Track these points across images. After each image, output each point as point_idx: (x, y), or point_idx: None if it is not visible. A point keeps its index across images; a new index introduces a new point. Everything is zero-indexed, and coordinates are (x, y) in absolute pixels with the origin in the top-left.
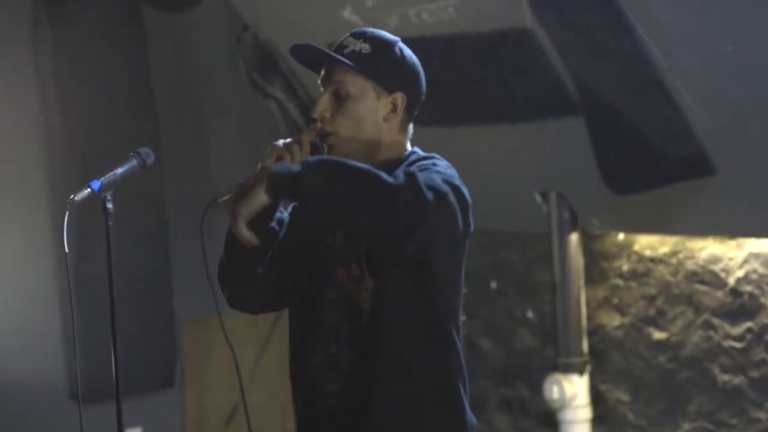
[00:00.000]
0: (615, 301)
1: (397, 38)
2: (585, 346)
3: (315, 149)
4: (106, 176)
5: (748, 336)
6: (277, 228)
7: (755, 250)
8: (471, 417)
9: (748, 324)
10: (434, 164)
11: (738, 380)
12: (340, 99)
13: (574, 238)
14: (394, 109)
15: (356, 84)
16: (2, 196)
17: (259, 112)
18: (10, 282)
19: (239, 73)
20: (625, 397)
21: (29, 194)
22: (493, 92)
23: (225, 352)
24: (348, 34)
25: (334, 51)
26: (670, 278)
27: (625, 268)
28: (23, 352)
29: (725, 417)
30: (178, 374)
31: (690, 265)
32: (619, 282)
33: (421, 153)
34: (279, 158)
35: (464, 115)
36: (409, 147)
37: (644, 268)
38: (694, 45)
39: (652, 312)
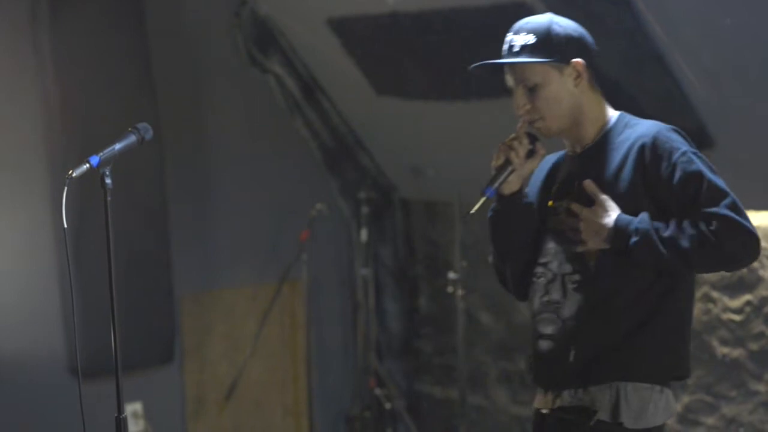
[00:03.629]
0: None
1: (549, 16)
2: None
3: (532, 139)
4: (105, 151)
5: (747, 309)
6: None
7: (754, 223)
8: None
9: (747, 297)
10: (693, 158)
11: (737, 353)
12: (532, 90)
13: None
14: (579, 75)
15: (538, 72)
16: (1, 173)
17: (258, 86)
18: (9, 258)
19: (237, 48)
20: None
21: (28, 170)
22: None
23: (224, 327)
24: (509, 32)
25: (505, 54)
26: None
27: None
28: (23, 328)
29: (724, 389)
30: (177, 349)
31: None
32: None
33: (626, 115)
34: (506, 159)
35: (464, 89)
36: (611, 111)
37: None
38: (693, 18)
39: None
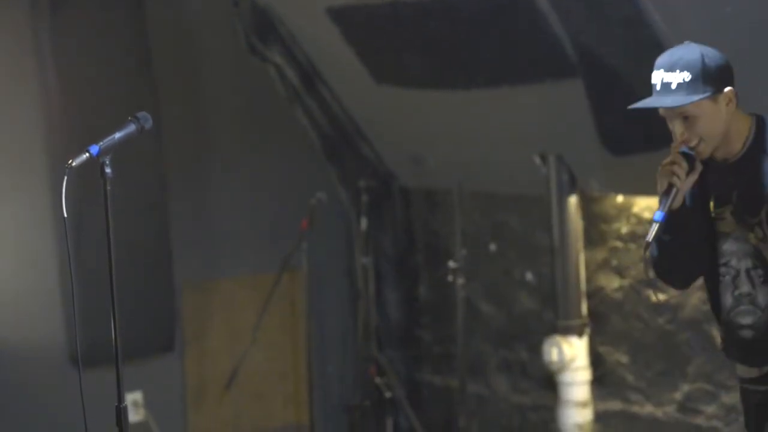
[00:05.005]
0: (614, 263)
1: (696, 47)
2: (584, 308)
3: (690, 159)
4: (105, 141)
5: None
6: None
7: None
8: None
9: None
10: None
11: None
12: (687, 121)
13: (573, 200)
14: (730, 101)
15: (695, 106)
16: (1, 162)
17: (258, 76)
18: (9, 247)
19: (237, 38)
20: (624, 359)
21: (28, 159)
22: (493, 55)
23: (224, 316)
24: (661, 69)
25: (662, 90)
26: None
27: (624, 230)
28: (23, 317)
29: (724, 378)
30: (178, 338)
31: None
32: (618, 244)
33: (760, 118)
34: (670, 183)
35: (464, 78)
36: (747, 115)
37: (643, 230)
38: (692, 6)
39: (651, 274)
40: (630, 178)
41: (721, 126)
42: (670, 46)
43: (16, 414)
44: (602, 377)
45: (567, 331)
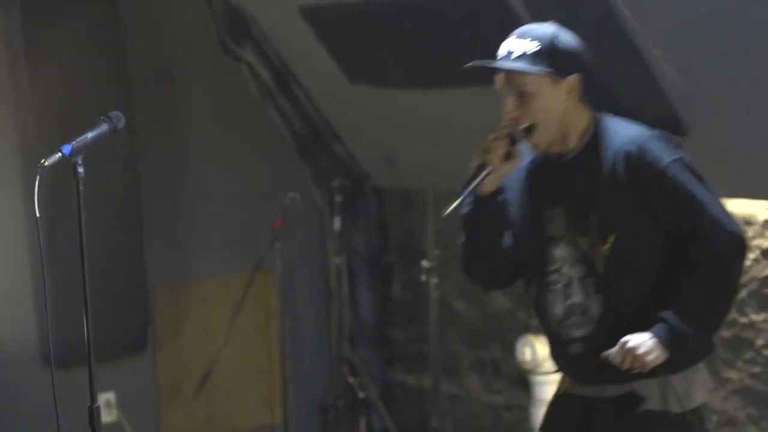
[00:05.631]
0: None
1: (554, 26)
2: None
3: (513, 140)
4: (77, 140)
5: None
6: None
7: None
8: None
9: None
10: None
11: None
12: (523, 98)
13: None
14: (571, 90)
15: (534, 82)
16: None
17: (231, 75)
18: None
19: (210, 37)
20: None
21: (0, 159)
22: (466, 54)
23: (198, 316)
24: (512, 36)
25: (502, 57)
26: None
27: None
28: None
29: None
30: (151, 338)
31: None
32: None
33: (604, 118)
34: (482, 162)
35: (437, 78)
36: (589, 113)
37: None
38: (665, 4)
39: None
40: None
41: (557, 114)
42: (644, 46)
43: None
44: None
45: (540, 331)
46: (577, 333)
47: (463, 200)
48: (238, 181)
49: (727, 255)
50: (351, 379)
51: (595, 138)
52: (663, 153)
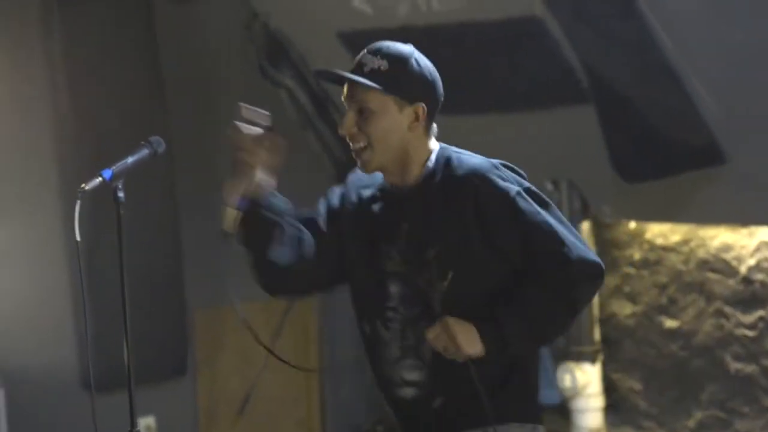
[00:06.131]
0: (627, 289)
1: (411, 49)
2: (597, 334)
3: (268, 129)
4: (117, 165)
5: (760, 324)
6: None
7: (767, 239)
8: (549, 396)
9: (760, 312)
10: (527, 197)
11: (750, 368)
12: (364, 115)
13: (585, 226)
14: (417, 118)
15: (378, 101)
16: (14, 185)
17: (269, 100)
18: (22, 271)
19: (249, 62)
20: (638, 386)
21: (41, 183)
22: (503, 80)
23: (237, 340)
24: (365, 50)
25: (353, 70)
26: (682, 267)
27: (637, 256)
28: (36, 342)
29: (737, 405)
30: (190, 362)
31: (701, 253)
32: (631, 270)
33: (448, 149)
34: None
35: (473, 104)
36: (433, 145)
37: (656, 257)
38: (704, 32)
39: (663, 300)
40: (642, 205)
41: (397, 140)
42: (682, 70)
43: None
44: (615, 404)
45: (580, 358)
46: (410, 376)
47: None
48: None
49: (581, 279)
50: None
51: (436, 170)
52: (510, 183)
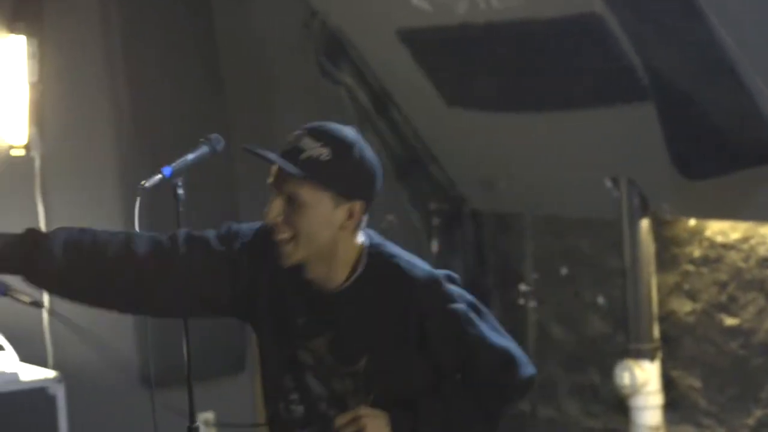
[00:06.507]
0: (686, 287)
1: (357, 137)
2: (656, 331)
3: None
4: (177, 162)
5: None
6: None
7: None
8: None
9: None
10: (464, 309)
11: None
12: (293, 206)
13: (644, 223)
14: (351, 217)
15: (312, 193)
16: (73, 183)
17: (329, 98)
18: None
19: (308, 60)
20: (697, 384)
21: (101, 181)
22: (563, 78)
23: None
24: (306, 130)
25: (288, 151)
26: (742, 264)
27: (697, 254)
28: (96, 337)
29: None
30: (249, 359)
31: (762, 251)
32: (691, 268)
33: (379, 248)
34: None
35: (533, 101)
36: (361, 239)
37: (716, 254)
38: (765, 29)
39: (723, 298)
40: (702, 202)
41: (326, 237)
42: (743, 67)
43: None
44: (674, 402)
45: (639, 355)
46: None
47: None
48: None
49: (514, 396)
50: None
51: (369, 273)
52: (458, 303)
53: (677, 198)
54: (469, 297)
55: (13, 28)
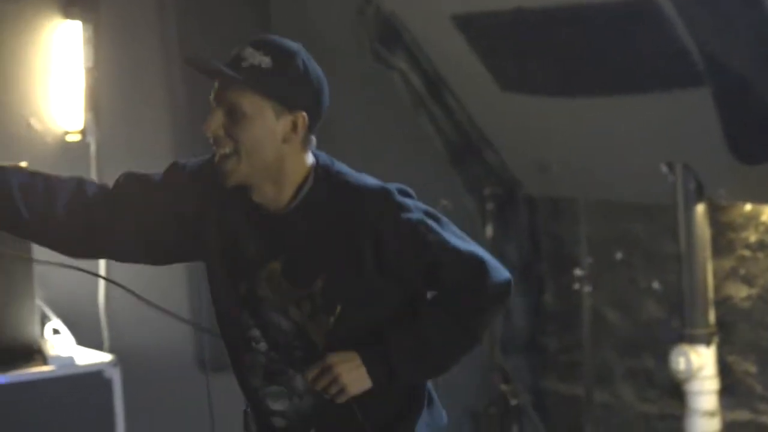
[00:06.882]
0: (742, 272)
1: (299, 48)
2: (712, 317)
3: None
4: None
5: None
6: None
7: None
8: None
9: None
10: (424, 219)
11: None
12: (234, 118)
13: (700, 208)
14: (295, 128)
15: (253, 103)
16: (128, 168)
17: (383, 83)
18: None
19: (362, 46)
20: (753, 369)
21: (155, 166)
22: (618, 62)
23: None
24: (249, 42)
25: (230, 62)
26: None
27: (753, 239)
28: (152, 321)
29: None
30: None
31: None
32: (747, 253)
33: (329, 167)
34: None
35: (588, 86)
36: (310, 160)
37: None
38: None
39: None
40: (758, 187)
41: (270, 152)
42: None
43: (146, 418)
44: (730, 387)
45: (694, 340)
46: (278, 406)
47: None
48: None
49: (491, 302)
50: (503, 387)
51: (317, 191)
52: (411, 213)
53: (733, 183)
54: (425, 206)
55: (68, 14)
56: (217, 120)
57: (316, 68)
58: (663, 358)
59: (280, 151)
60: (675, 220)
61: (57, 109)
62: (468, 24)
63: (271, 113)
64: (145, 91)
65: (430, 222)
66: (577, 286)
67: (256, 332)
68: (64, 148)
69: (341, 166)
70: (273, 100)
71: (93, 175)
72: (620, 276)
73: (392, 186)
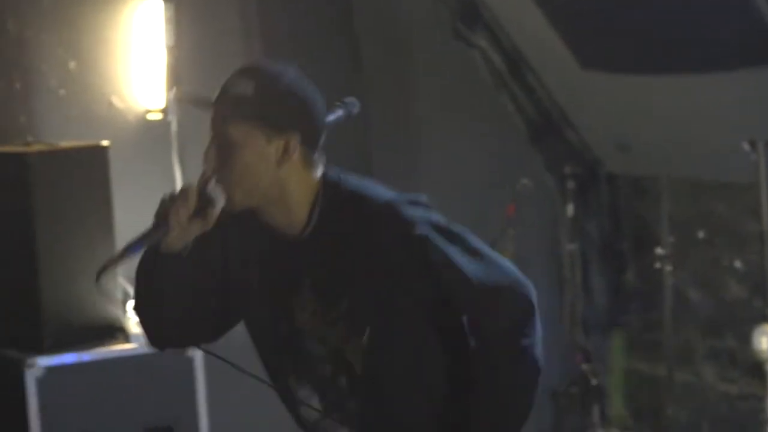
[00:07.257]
0: None
1: (285, 69)
2: None
3: (205, 200)
4: None
5: None
6: None
7: None
8: None
9: None
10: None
11: None
12: (224, 148)
13: None
14: (285, 152)
15: (239, 131)
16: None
17: (463, 61)
18: None
19: (443, 23)
20: None
21: None
22: (701, 40)
23: None
24: (235, 72)
25: (219, 95)
26: None
27: None
28: None
29: None
30: None
31: None
32: None
33: (338, 185)
34: (164, 216)
35: (670, 63)
36: (317, 177)
37: None
38: None
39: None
40: None
41: (265, 179)
42: None
43: (229, 398)
44: None
45: None
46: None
47: (127, 257)
48: (469, 166)
49: (514, 330)
50: (584, 366)
51: (328, 210)
52: (412, 224)
53: None
54: (437, 219)
55: None
56: (210, 157)
57: (305, 86)
58: (745, 337)
59: (276, 174)
60: (757, 199)
61: (138, 87)
62: (548, 1)
63: (261, 139)
64: (226, 68)
65: (437, 237)
66: (658, 265)
67: (303, 367)
68: (146, 126)
69: (348, 181)
70: (260, 126)
71: (174, 154)
72: (702, 255)
73: (402, 198)
